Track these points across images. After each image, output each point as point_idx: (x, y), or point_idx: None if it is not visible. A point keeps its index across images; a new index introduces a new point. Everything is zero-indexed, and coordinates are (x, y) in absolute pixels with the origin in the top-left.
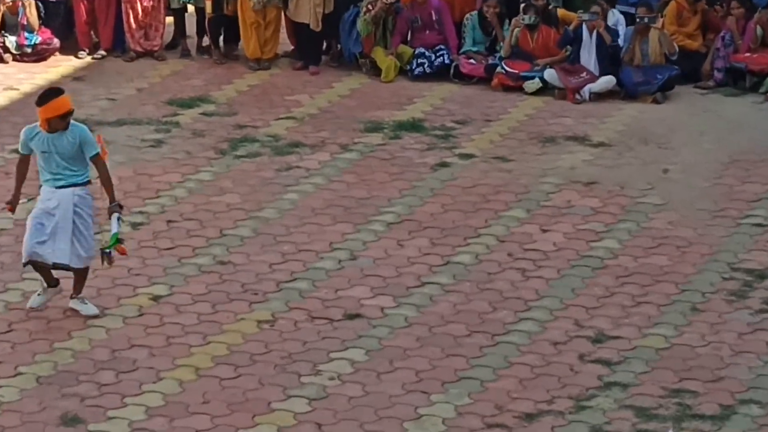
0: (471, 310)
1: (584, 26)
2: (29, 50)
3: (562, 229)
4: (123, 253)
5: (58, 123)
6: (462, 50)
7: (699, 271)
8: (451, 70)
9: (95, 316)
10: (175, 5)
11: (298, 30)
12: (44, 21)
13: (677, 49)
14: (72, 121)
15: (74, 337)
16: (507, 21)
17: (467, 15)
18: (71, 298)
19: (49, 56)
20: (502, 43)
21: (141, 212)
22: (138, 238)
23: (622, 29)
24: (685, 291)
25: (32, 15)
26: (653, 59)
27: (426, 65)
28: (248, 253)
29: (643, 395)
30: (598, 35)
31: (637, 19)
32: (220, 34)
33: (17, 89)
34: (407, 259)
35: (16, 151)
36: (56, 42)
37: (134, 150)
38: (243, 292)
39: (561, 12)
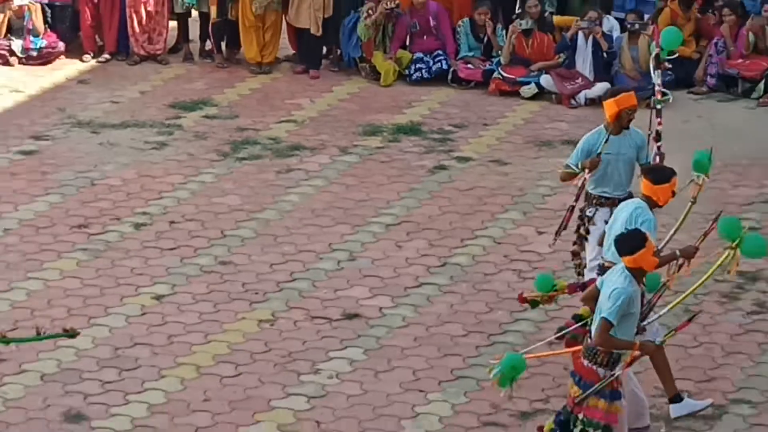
0: (467, 310)
1: (580, 33)
2: (35, 53)
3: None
4: None
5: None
6: (459, 56)
7: (692, 274)
8: (449, 75)
9: None
10: (178, 10)
11: (298, 34)
12: (50, 25)
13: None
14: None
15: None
16: (499, 27)
17: (459, 22)
18: None
19: (54, 59)
20: (497, 49)
21: (144, 213)
22: (141, 238)
23: (616, 34)
24: (678, 293)
25: (38, 19)
26: (642, 66)
27: (424, 70)
28: (249, 254)
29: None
30: (594, 41)
31: (628, 26)
32: (223, 39)
33: (23, 92)
34: (405, 260)
35: (22, 152)
36: (61, 45)
37: (137, 152)
38: (244, 292)
39: (556, 18)
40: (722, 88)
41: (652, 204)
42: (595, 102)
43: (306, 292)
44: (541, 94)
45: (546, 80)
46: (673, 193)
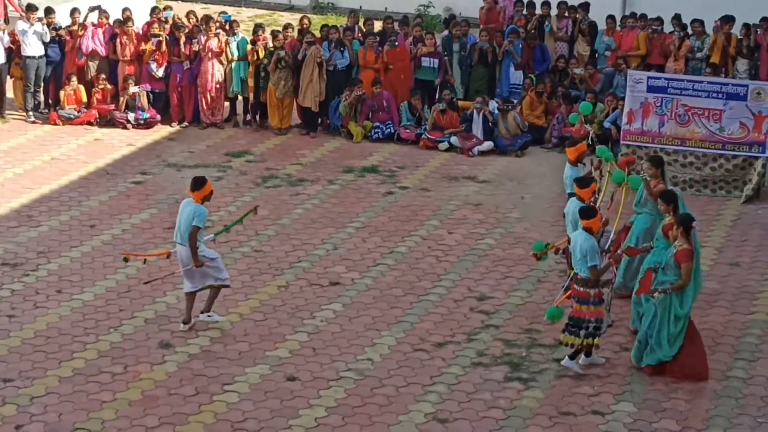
0: (405, 280)
1: (474, 111)
2: (142, 122)
3: (460, 232)
4: None
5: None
6: (401, 124)
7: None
8: (395, 136)
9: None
10: (230, 95)
11: (304, 110)
12: (152, 104)
13: (527, 124)
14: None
15: (167, 296)
16: (425, 107)
17: (401, 104)
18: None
19: (154, 125)
20: (425, 120)
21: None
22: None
23: (495, 112)
24: (534, 269)
25: (144, 101)
26: (512, 131)
27: (380, 133)
28: (272, 245)
29: (508, 332)
30: (483, 116)
31: (501, 107)
32: (257, 113)
33: (134, 145)
34: (368, 250)
35: (134, 182)
36: (158, 117)
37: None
38: (269, 268)
39: (460, 102)
40: (560, 144)
41: (580, 200)
42: (484, 153)
43: (307, 269)
44: (451, 148)
45: (454, 140)
46: (593, 194)
